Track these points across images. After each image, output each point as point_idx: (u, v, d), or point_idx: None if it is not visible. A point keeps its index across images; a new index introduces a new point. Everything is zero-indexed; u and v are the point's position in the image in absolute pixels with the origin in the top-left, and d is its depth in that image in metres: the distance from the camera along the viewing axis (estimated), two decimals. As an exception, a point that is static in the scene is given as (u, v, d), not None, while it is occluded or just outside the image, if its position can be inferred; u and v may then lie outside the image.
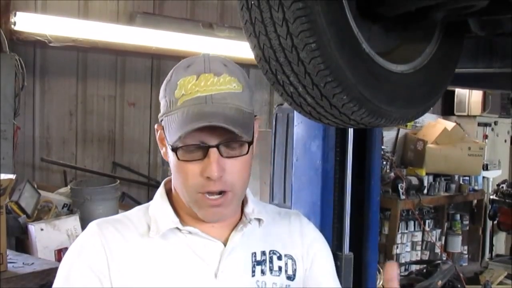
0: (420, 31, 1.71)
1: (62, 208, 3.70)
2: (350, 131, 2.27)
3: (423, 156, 5.70)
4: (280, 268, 1.25)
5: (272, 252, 1.26)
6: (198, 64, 1.16)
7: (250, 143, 1.16)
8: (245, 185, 1.20)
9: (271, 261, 1.25)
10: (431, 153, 5.69)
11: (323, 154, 2.24)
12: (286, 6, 1.30)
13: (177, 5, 4.94)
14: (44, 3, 4.17)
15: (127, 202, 4.51)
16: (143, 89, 4.88)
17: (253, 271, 1.22)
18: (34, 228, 3.20)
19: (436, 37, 1.74)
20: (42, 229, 3.22)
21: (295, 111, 1.97)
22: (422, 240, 5.80)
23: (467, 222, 6.34)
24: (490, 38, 2.11)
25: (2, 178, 2.57)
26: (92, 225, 1.22)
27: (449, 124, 5.95)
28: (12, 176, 2.71)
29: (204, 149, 1.12)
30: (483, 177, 6.53)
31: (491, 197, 6.46)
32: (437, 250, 5.85)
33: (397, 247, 5.46)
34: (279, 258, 1.26)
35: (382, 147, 5.17)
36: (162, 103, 1.18)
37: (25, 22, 3.92)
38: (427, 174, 5.70)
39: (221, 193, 1.15)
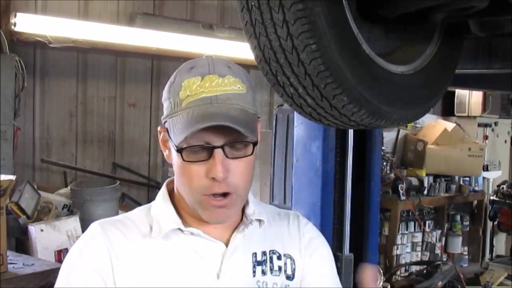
0: (420, 32, 1.72)
1: (62, 209, 3.70)
2: (350, 132, 2.28)
3: (423, 157, 5.70)
4: (280, 268, 1.26)
5: (272, 252, 1.27)
6: (202, 65, 1.16)
7: (255, 144, 1.16)
8: (249, 187, 1.20)
9: (271, 261, 1.25)
10: (431, 154, 5.68)
11: (323, 155, 2.24)
12: (286, 7, 1.31)
13: (177, 6, 4.94)
14: (44, 4, 4.17)
15: (127, 203, 4.51)
16: (143, 90, 4.88)
17: (254, 271, 1.23)
18: (34, 229, 3.20)
19: (436, 38, 1.74)
20: (42, 230, 3.22)
21: (295, 112, 1.97)
22: (422, 241, 5.80)
23: (467, 223, 6.33)
24: (490, 39, 2.11)
25: (2, 179, 2.56)
26: (94, 226, 1.22)
27: (449, 125, 5.94)
28: (12, 177, 2.71)
29: (209, 150, 1.13)
30: (483, 178, 6.52)
31: (491, 197, 6.46)
32: (437, 251, 5.85)
33: (397, 248, 5.45)
34: (279, 258, 1.27)
35: (382, 148, 5.17)
36: (166, 104, 1.18)
37: (25, 23, 3.92)
38: (427, 175, 5.70)
39: (225, 194, 1.15)
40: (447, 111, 6.58)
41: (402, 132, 6.04)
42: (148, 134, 4.92)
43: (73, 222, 3.39)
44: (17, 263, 2.63)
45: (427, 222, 5.80)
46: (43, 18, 4.05)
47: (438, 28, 1.74)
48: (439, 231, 5.99)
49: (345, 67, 1.39)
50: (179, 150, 1.13)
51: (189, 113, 1.12)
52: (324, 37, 1.33)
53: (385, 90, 1.54)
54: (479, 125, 6.63)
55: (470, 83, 2.88)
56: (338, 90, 1.40)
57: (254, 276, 1.22)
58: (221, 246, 1.21)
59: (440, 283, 4.42)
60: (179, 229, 1.20)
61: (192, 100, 1.13)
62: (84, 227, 3.30)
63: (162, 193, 1.27)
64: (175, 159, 1.18)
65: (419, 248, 5.75)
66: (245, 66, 1.21)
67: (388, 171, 5.37)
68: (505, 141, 7.09)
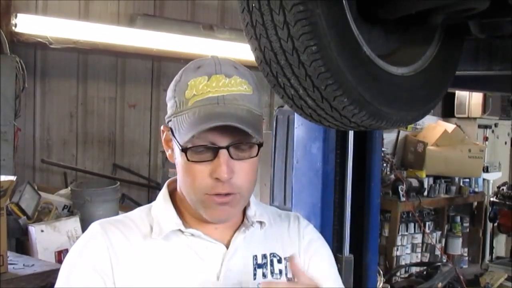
0: (421, 33, 1.72)
1: (63, 209, 3.70)
2: (351, 133, 2.28)
3: (423, 158, 5.70)
4: (280, 271, 1.25)
5: (273, 255, 1.26)
6: (209, 65, 1.16)
7: (260, 145, 1.16)
8: (253, 187, 1.19)
9: (271, 264, 1.25)
10: (431, 155, 5.69)
11: (323, 156, 2.24)
12: (287, 9, 1.31)
13: (177, 6, 4.95)
14: (44, 4, 4.18)
15: (127, 203, 4.51)
16: (143, 91, 4.88)
17: (255, 274, 1.22)
18: (34, 230, 3.20)
19: (436, 40, 1.74)
20: (42, 231, 3.22)
21: (295, 113, 1.97)
22: (422, 242, 5.80)
23: (467, 224, 6.34)
24: (490, 41, 2.11)
25: (2, 179, 2.57)
26: (95, 226, 1.22)
27: (450, 126, 5.95)
28: (13, 178, 2.71)
29: (214, 150, 1.12)
30: (483, 179, 6.53)
31: (491, 199, 6.46)
32: (437, 252, 5.85)
33: (397, 249, 5.46)
34: (279, 261, 1.26)
35: (382, 149, 5.17)
36: (170, 104, 1.17)
37: (26, 24, 3.93)
38: (427, 176, 5.70)
39: (228, 194, 1.14)
40: (447, 113, 6.59)
41: (402, 133, 6.04)
42: (148, 135, 4.93)
43: (73, 223, 3.40)
44: (18, 264, 2.63)
45: (427, 223, 5.80)
46: (44, 19, 4.06)
47: (439, 30, 1.74)
48: (439, 233, 6.00)
49: (345, 68, 1.39)
50: (184, 150, 1.12)
51: (195, 113, 1.11)
52: (325, 38, 1.34)
53: (385, 92, 1.54)
54: (479, 126, 6.63)
55: (470, 84, 2.89)
56: (338, 91, 1.40)
57: (255, 278, 1.22)
58: (221, 247, 1.21)
59: (440, 284, 4.42)
60: (180, 230, 1.20)
61: (198, 99, 1.12)
62: (84, 228, 3.30)
63: (163, 193, 1.26)
64: (178, 158, 1.17)
65: (419, 249, 5.76)
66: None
67: (388, 172, 5.37)
68: (505, 143, 7.10)
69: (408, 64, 1.66)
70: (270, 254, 1.26)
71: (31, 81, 4.08)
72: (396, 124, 1.62)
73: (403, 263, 5.51)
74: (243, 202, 1.20)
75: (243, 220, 1.25)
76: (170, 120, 1.17)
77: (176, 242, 1.20)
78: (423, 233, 5.75)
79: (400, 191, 5.15)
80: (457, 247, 6.07)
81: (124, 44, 4.39)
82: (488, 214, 6.47)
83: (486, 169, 6.41)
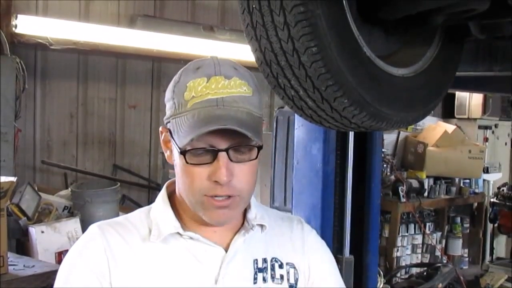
0: (421, 34, 1.72)
1: (63, 210, 3.70)
2: (351, 134, 2.28)
3: (424, 159, 5.70)
4: (282, 276, 1.23)
5: (274, 259, 1.24)
6: (208, 66, 1.14)
7: (260, 148, 1.14)
8: (252, 190, 1.18)
9: (272, 269, 1.23)
10: (432, 156, 5.69)
11: (323, 157, 2.24)
12: (287, 9, 1.30)
13: (178, 7, 4.95)
14: (45, 5, 4.18)
15: (127, 204, 4.51)
16: (143, 91, 4.88)
17: (255, 278, 1.21)
18: (34, 231, 3.20)
19: (436, 41, 1.74)
20: (42, 232, 3.23)
21: (295, 114, 1.97)
22: (423, 243, 5.80)
23: (467, 225, 6.33)
24: (490, 42, 2.11)
25: (3, 180, 2.57)
26: (93, 227, 1.21)
27: (450, 127, 5.95)
28: (13, 179, 2.71)
29: (213, 153, 1.11)
30: (484, 180, 6.53)
31: (492, 200, 6.46)
32: (438, 253, 5.85)
33: (398, 250, 5.45)
34: (281, 266, 1.24)
35: (383, 150, 5.16)
36: (169, 105, 1.16)
37: (26, 25, 3.93)
38: (428, 177, 5.70)
39: (228, 197, 1.13)
40: (448, 113, 6.59)
41: (403, 134, 6.04)
42: (148, 135, 4.93)
43: (74, 224, 3.40)
44: (18, 265, 2.63)
45: (427, 224, 5.80)
46: (44, 20, 4.06)
47: (439, 31, 1.74)
48: (439, 233, 5.99)
49: (345, 69, 1.39)
50: (183, 152, 1.11)
51: (194, 115, 1.10)
52: (325, 39, 1.33)
53: (385, 93, 1.54)
54: (479, 127, 6.63)
55: (470, 85, 2.89)
56: (338, 92, 1.40)
57: (255, 282, 1.20)
58: (220, 250, 1.20)
59: (440, 285, 4.42)
60: (178, 233, 1.18)
61: (197, 101, 1.10)
62: (84, 229, 3.29)
63: (162, 195, 1.25)
64: (177, 160, 1.16)
65: (419, 250, 5.75)
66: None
67: (388, 173, 5.37)
68: (505, 143, 7.10)
69: (408, 65, 1.66)
70: (272, 259, 1.24)
71: (31, 82, 4.08)
72: (397, 125, 1.62)
73: (403, 264, 5.51)
74: (242, 204, 1.18)
75: (243, 223, 1.24)
76: (169, 122, 1.16)
77: (174, 245, 1.18)
78: (423, 234, 5.75)
79: (400, 192, 5.15)
80: (457, 248, 6.06)
81: (125, 45, 4.39)
82: (488, 215, 6.47)
83: (486, 170, 6.41)
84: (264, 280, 1.21)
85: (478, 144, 6.22)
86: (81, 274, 1.15)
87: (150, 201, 1.29)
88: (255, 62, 1.46)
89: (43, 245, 3.20)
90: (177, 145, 1.13)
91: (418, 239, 5.73)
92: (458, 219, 6.18)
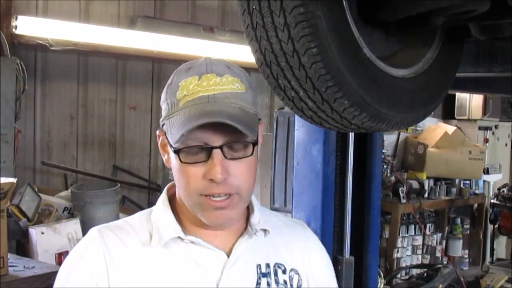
0: (421, 35, 1.72)
1: (63, 211, 3.70)
2: (351, 135, 2.27)
3: (424, 160, 5.70)
4: (285, 281, 1.23)
5: (277, 265, 1.23)
6: (200, 65, 1.14)
7: (255, 144, 1.13)
8: (251, 188, 1.17)
9: (276, 274, 1.22)
10: (432, 157, 5.69)
11: (324, 158, 2.24)
12: (287, 10, 1.30)
13: (178, 8, 4.95)
14: (45, 6, 4.18)
15: (127, 205, 4.51)
16: (144, 93, 4.88)
17: (259, 283, 1.20)
18: (34, 232, 3.20)
19: (437, 42, 1.74)
20: (42, 233, 3.23)
21: (296, 115, 1.97)
22: (423, 244, 5.80)
23: (467, 226, 6.33)
24: (491, 43, 2.11)
25: (3, 181, 2.57)
26: (93, 231, 1.20)
27: (450, 128, 5.95)
28: (13, 180, 2.71)
29: (207, 151, 1.10)
30: (484, 181, 6.53)
31: (492, 201, 6.46)
32: (438, 254, 5.84)
33: (398, 251, 5.45)
34: (284, 272, 1.24)
35: (383, 151, 5.17)
36: (164, 107, 1.16)
37: (26, 26, 3.94)
38: (428, 178, 5.70)
39: (226, 197, 1.12)
40: (448, 114, 6.59)
41: (403, 135, 6.04)
42: (148, 136, 4.93)
43: (74, 225, 3.40)
44: (18, 266, 2.63)
45: (427, 225, 5.80)
46: (44, 21, 4.07)
47: (439, 32, 1.74)
48: (439, 234, 5.99)
49: (346, 70, 1.39)
50: (177, 151, 1.11)
51: (185, 113, 1.09)
52: (325, 40, 1.33)
53: (386, 94, 1.54)
54: (480, 128, 6.64)
55: (470, 86, 2.88)
56: (339, 93, 1.40)
57: (258, 287, 1.19)
58: (221, 255, 1.19)
59: (440, 286, 4.42)
60: (179, 237, 1.17)
61: (189, 99, 1.10)
62: (84, 230, 3.30)
63: (162, 198, 1.24)
64: (173, 161, 1.15)
65: (419, 251, 5.75)
66: (246, 69, 1.20)
67: (388, 174, 5.37)
68: (506, 144, 7.10)
69: (408, 66, 1.66)
70: (275, 264, 1.23)
71: (31, 83, 4.08)
72: (397, 126, 1.62)
73: (403, 265, 5.51)
74: (241, 204, 1.17)
75: (246, 227, 1.23)
76: (164, 124, 1.16)
77: (175, 250, 1.17)
78: (424, 235, 5.75)
79: (400, 193, 5.15)
80: (458, 249, 6.06)
81: (125, 46, 4.39)
82: (488, 216, 6.47)
83: (486, 171, 6.41)
84: (268, 284, 1.20)
85: (478, 145, 6.22)
86: (79, 278, 1.15)
87: (150, 202, 1.28)
88: (255, 63, 1.46)
89: (43, 246, 3.20)
90: (170, 144, 1.12)
91: (419, 240, 5.73)
92: (459, 220, 6.18)
